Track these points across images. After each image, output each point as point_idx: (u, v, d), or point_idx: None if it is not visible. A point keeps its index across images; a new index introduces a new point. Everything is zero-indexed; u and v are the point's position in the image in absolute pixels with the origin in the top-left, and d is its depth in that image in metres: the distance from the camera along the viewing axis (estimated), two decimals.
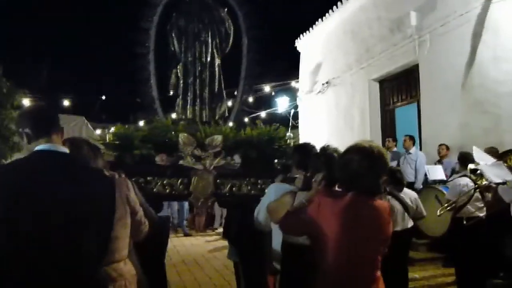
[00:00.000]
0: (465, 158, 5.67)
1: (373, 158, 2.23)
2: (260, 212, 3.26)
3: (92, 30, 27.22)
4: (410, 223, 5.04)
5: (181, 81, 5.55)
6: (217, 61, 5.66)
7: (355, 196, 2.22)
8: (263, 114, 16.97)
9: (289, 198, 2.76)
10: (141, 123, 6.55)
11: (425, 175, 8.10)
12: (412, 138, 8.76)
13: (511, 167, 4.73)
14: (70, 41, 28.27)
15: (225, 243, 10.18)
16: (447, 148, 8.06)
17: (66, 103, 16.42)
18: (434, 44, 8.77)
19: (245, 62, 5.70)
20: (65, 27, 27.28)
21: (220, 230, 11.71)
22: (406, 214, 4.92)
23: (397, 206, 4.84)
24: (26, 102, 16.47)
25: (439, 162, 8.13)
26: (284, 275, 3.11)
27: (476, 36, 7.77)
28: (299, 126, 14.73)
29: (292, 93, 15.79)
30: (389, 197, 4.75)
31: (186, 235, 11.57)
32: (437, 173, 7.73)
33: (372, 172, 2.24)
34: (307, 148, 3.45)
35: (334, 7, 12.29)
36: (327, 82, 12.69)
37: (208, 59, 5.60)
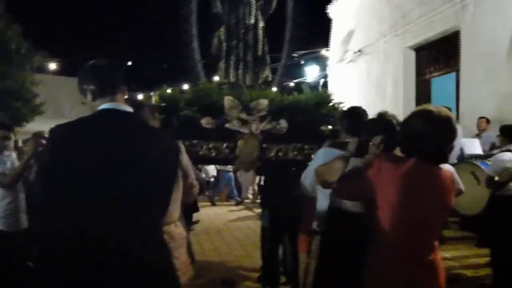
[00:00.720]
0: (510, 131, 5.40)
1: (438, 122, 2.14)
2: (307, 176, 3.18)
3: None
4: None
5: (224, 44, 5.50)
6: (261, 24, 5.58)
7: (418, 162, 2.15)
8: (291, 83, 16.75)
9: (341, 162, 2.57)
10: (185, 86, 6.52)
11: (461, 149, 7.71)
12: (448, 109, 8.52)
13: None
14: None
15: (248, 213, 10.42)
16: (488, 121, 7.79)
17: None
18: (479, 8, 8.41)
19: (289, 24, 5.61)
20: None
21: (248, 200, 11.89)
22: None
23: None
24: (51, 65, 16.54)
25: (478, 136, 7.87)
26: (327, 238, 2.98)
27: None
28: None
29: (322, 62, 15.58)
30: None
31: (237, 203, 11.81)
32: (474, 147, 7.42)
33: (437, 138, 2.14)
34: (358, 112, 3.32)
35: None
36: (359, 51, 12.55)
37: (252, 21, 5.52)
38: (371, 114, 2.92)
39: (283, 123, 4.66)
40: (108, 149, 1.79)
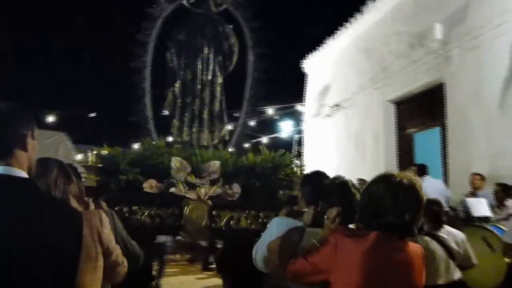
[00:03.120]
0: None
1: (401, 189, 2.01)
2: (259, 250, 2.95)
3: (87, 35, 26.98)
4: (457, 274, 4.03)
5: (179, 100, 5.40)
6: (219, 80, 5.52)
7: (381, 236, 2.00)
8: (264, 139, 16.73)
9: (295, 236, 2.46)
10: (136, 146, 6.34)
11: (467, 211, 7.00)
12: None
13: None
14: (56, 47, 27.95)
15: (219, 281, 9.79)
16: (483, 178, 7.39)
17: (49, 119, 15.99)
18: (463, 59, 8.33)
19: (249, 81, 5.55)
20: (54, 33, 26.93)
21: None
22: (451, 261, 3.99)
23: (439, 251, 3.94)
24: None
25: (472, 194, 7.35)
26: None
27: None
28: (304, 153, 14.45)
29: (297, 117, 15.63)
30: (428, 238, 3.96)
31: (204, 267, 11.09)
32: (481, 208, 6.72)
33: (400, 206, 2.00)
34: (318, 177, 3.09)
35: (347, 23, 12.21)
36: (336, 105, 12.50)
37: (209, 77, 5.46)
38: (351, 172, 2.74)
39: (236, 188, 4.50)
40: None
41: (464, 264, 4.09)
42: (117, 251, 2.44)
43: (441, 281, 3.89)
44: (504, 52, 7.45)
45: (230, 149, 5.31)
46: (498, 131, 7.48)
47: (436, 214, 4.14)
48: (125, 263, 2.50)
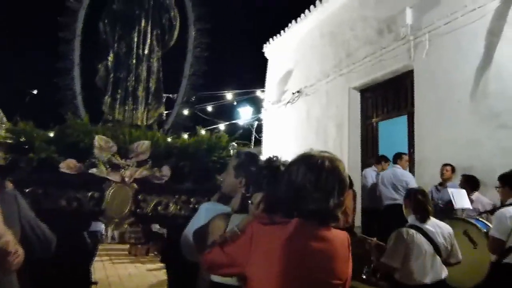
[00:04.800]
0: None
1: (323, 171, 1.88)
2: (185, 238, 2.85)
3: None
4: (444, 272, 3.85)
5: (111, 75, 5.10)
6: (157, 55, 5.24)
7: (301, 224, 1.86)
8: (221, 126, 16.44)
9: (220, 222, 2.39)
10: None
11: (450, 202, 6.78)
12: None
13: None
14: None
15: None
16: (453, 169, 7.38)
17: None
18: (435, 45, 8.20)
19: (189, 58, 5.31)
20: None
21: None
22: (437, 257, 3.79)
23: (425, 245, 3.75)
24: None
25: (441, 185, 7.41)
26: None
27: (494, 33, 7.11)
28: (263, 141, 14.32)
29: (256, 104, 15.43)
30: (413, 231, 3.79)
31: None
32: (463, 199, 6.51)
33: (321, 190, 1.87)
34: (251, 160, 2.94)
35: (312, 6, 12.03)
36: (298, 91, 12.35)
37: (146, 51, 5.17)
38: None
39: (166, 170, 4.25)
40: None
41: (450, 260, 3.92)
42: (6, 238, 2.18)
43: (428, 280, 3.72)
44: (478, 38, 7.37)
45: (166, 131, 5.05)
46: (468, 120, 7.39)
47: (422, 205, 3.94)
48: (20, 251, 2.25)
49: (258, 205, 2.22)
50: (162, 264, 9.51)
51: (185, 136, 4.70)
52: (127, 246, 13.03)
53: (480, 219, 5.71)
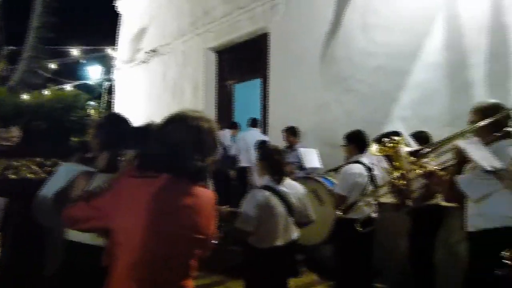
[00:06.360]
0: (358, 138, 4.82)
1: (200, 130, 2.01)
2: (42, 202, 2.78)
3: None
4: (295, 233, 3.85)
5: None
6: None
7: (171, 179, 1.95)
8: (68, 86, 15.07)
9: (84, 180, 2.52)
10: None
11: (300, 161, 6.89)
12: None
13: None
14: None
15: None
16: (293, 132, 7.33)
17: None
18: (288, 8, 8.23)
19: (37, 8, 4.68)
20: None
21: None
22: (289, 218, 3.75)
23: (279, 207, 3.66)
24: None
25: (290, 149, 7.22)
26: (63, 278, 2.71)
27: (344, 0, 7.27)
28: (115, 102, 13.72)
29: (108, 63, 14.60)
30: (268, 193, 3.64)
31: None
32: (313, 158, 6.70)
33: (195, 149, 1.99)
34: (115, 121, 3.07)
35: None
36: (152, 50, 12.05)
37: None
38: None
39: (14, 131, 3.87)
40: None
41: (302, 220, 3.90)
42: None
43: (279, 242, 3.66)
44: (330, 4, 7.49)
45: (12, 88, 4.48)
46: (318, 84, 7.58)
47: (278, 165, 3.80)
48: None
49: (131, 161, 2.27)
50: None
51: (45, 92, 4.24)
52: None
53: (328, 178, 5.93)
